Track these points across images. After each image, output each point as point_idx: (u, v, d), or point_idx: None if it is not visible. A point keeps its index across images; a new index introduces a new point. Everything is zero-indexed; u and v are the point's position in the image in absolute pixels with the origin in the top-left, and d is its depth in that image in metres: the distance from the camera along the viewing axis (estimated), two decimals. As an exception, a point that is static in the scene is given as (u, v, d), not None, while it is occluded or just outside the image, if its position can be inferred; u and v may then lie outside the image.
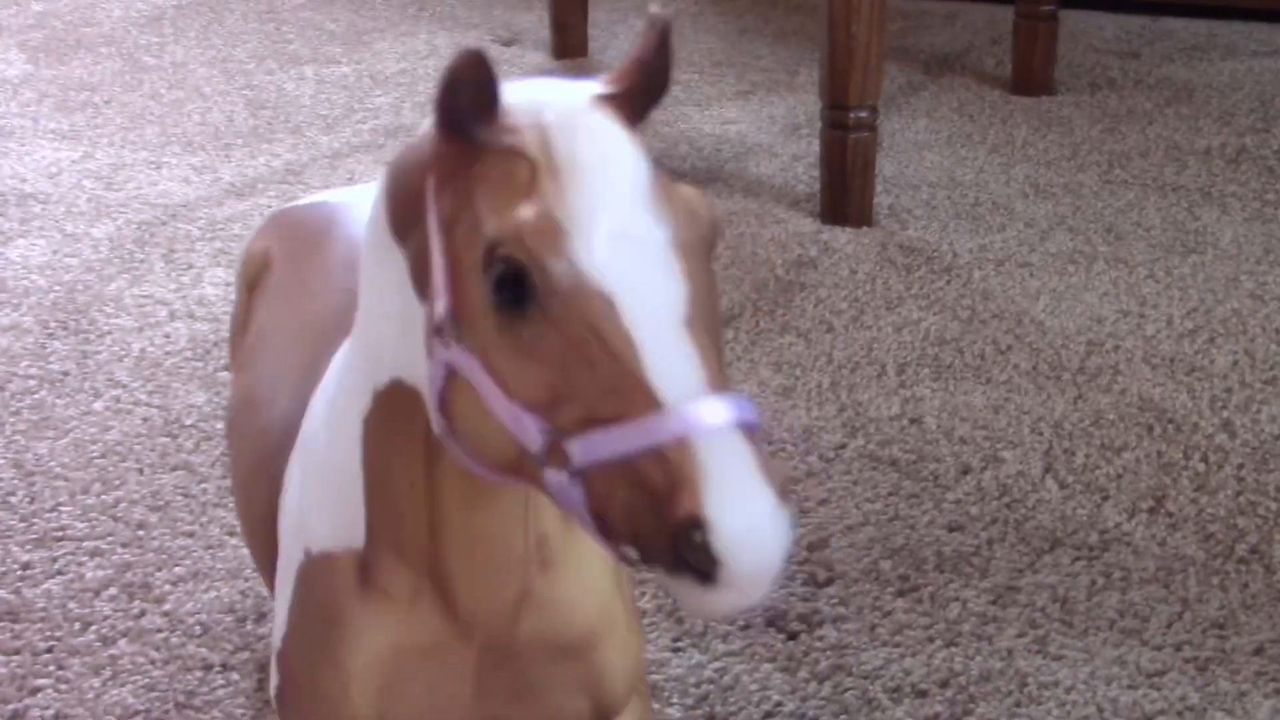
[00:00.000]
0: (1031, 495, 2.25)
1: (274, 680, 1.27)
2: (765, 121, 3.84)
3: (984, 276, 2.96)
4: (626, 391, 0.93)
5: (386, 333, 1.08)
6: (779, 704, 1.84)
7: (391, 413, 1.10)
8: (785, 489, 0.93)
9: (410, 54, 4.49)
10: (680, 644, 1.93)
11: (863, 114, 3.14)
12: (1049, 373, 2.59)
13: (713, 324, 0.97)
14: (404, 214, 1.05)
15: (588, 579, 1.21)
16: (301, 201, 1.69)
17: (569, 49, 4.33)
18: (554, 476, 0.95)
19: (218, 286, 2.94)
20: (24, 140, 3.77)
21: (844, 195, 3.19)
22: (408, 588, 1.16)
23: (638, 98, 1.04)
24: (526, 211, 0.96)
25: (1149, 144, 3.64)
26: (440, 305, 1.00)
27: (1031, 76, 3.99)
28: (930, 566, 2.09)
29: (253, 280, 1.60)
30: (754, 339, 2.72)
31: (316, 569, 1.20)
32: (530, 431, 0.96)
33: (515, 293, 0.95)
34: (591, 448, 0.93)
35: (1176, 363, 2.62)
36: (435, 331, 1.00)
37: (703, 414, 0.92)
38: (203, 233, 3.20)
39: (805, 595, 2.02)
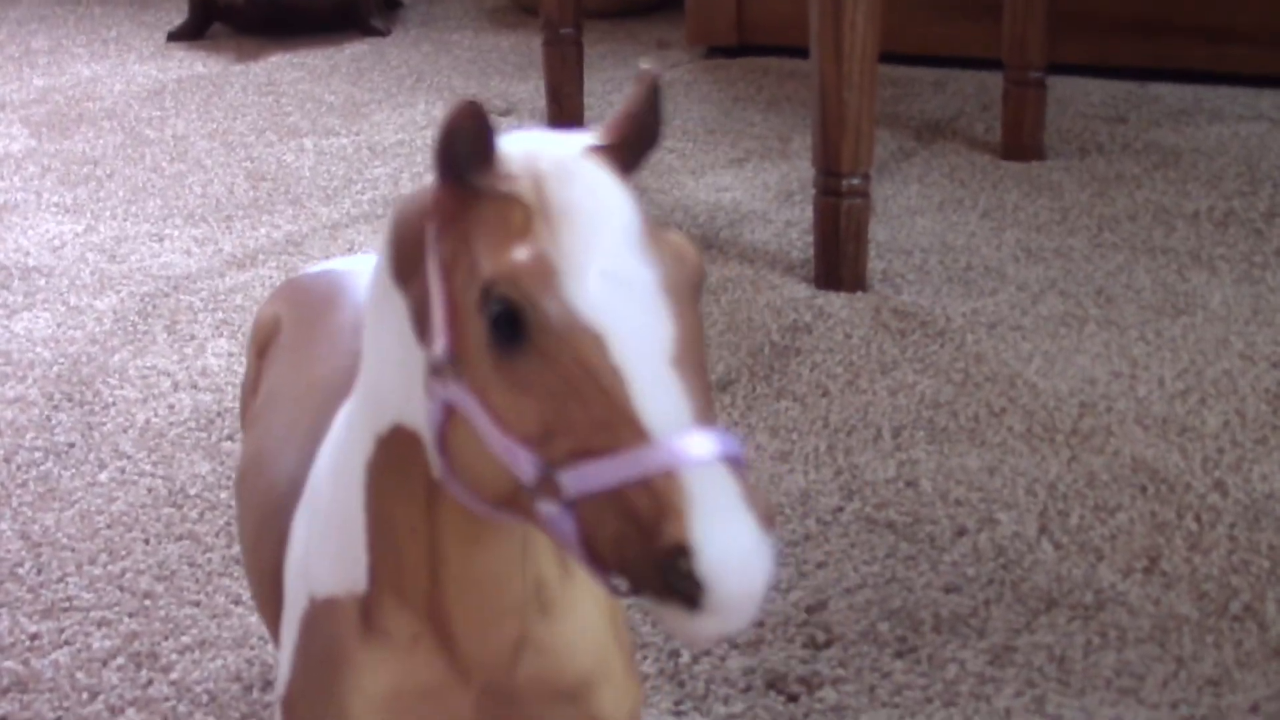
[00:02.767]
0: (1027, 556, 2.27)
1: None
2: (759, 188, 3.89)
3: (977, 340, 3.00)
4: (616, 424, 0.97)
5: (388, 378, 1.13)
6: (780, 766, 1.86)
7: (393, 457, 1.14)
8: (769, 518, 0.97)
9: (408, 125, 4.55)
10: (682, 707, 1.95)
11: (855, 180, 3.18)
12: (1042, 434, 2.62)
13: (699, 362, 1.01)
14: (405, 260, 1.10)
15: (585, 623, 1.24)
16: (310, 270, 1.74)
17: (565, 118, 4.38)
18: (547, 508, 0.99)
19: (220, 357, 2.98)
20: (27, 214, 3.82)
21: (838, 261, 3.23)
22: (408, 631, 1.19)
23: (628, 149, 1.09)
24: (521, 253, 1.00)
25: (1138, 208, 3.69)
26: (439, 345, 1.04)
27: (1021, 142, 4.04)
28: (928, 627, 2.11)
29: (263, 345, 1.64)
30: (750, 404, 2.75)
31: (319, 614, 1.23)
32: (524, 464, 1.00)
33: (510, 330, 1.00)
34: (582, 479, 0.97)
35: (1168, 423, 2.65)
36: (434, 371, 1.05)
37: (689, 446, 0.96)
38: (205, 304, 3.24)
39: (805, 657, 2.05)
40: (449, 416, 1.04)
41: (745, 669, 2.02)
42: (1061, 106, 4.37)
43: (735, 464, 0.98)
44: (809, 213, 3.36)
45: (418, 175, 4.07)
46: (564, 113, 4.39)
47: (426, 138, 4.41)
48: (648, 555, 0.95)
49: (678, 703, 1.96)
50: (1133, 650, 2.06)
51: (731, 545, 0.94)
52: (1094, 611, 2.14)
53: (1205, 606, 2.15)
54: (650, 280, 1.01)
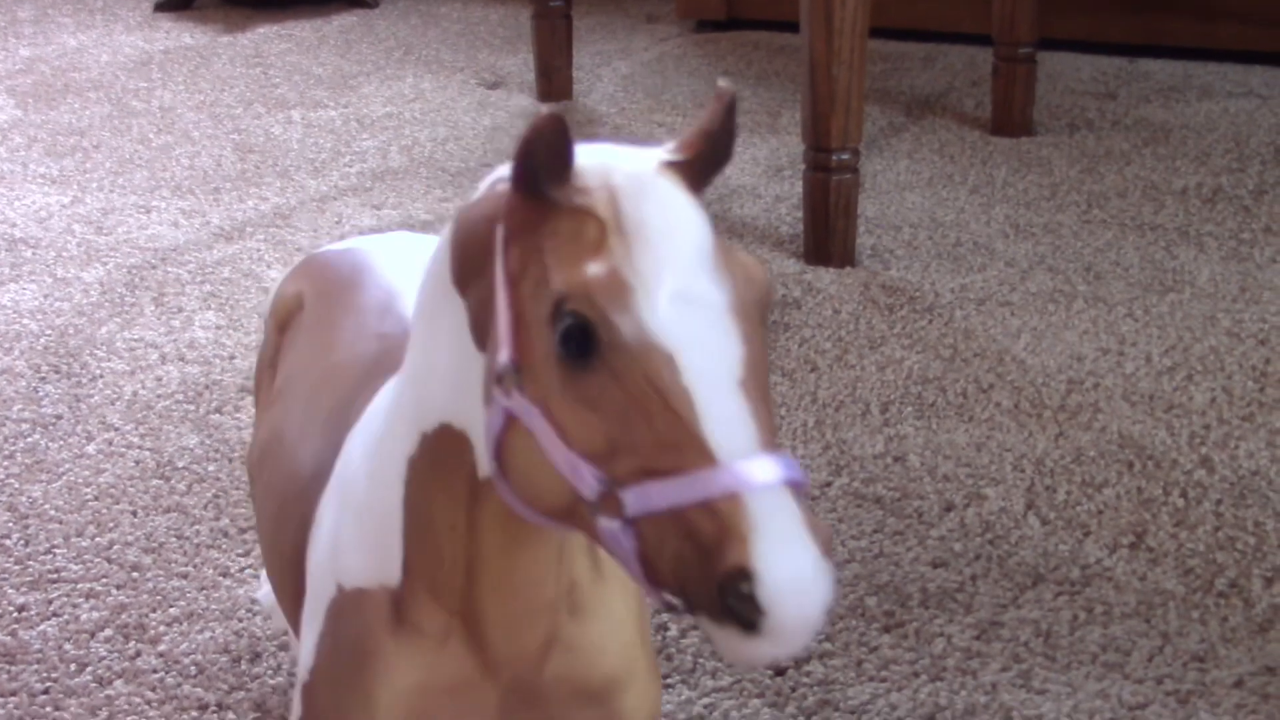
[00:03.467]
0: (1014, 532, 2.28)
1: (296, 713, 1.30)
2: (748, 163, 3.89)
3: (965, 316, 3.00)
4: (682, 446, 0.97)
5: (439, 378, 1.12)
6: (767, 739, 1.87)
7: (437, 456, 1.14)
8: (829, 545, 0.97)
9: (396, 98, 4.53)
10: (670, 680, 1.96)
11: (845, 156, 3.18)
12: (1030, 410, 2.63)
13: (764, 385, 1.02)
14: (468, 265, 1.09)
15: (614, 626, 1.25)
16: (333, 247, 1.73)
17: (553, 92, 4.38)
18: (607, 524, 0.99)
19: (208, 330, 2.97)
20: (13, 185, 3.80)
21: (827, 236, 3.23)
22: (440, 627, 1.19)
23: (701, 165, 1.08)
24: (595, 269, 1.00)
25: (1127, 184, 3.69)
26: (503, 354, 1.04)
27: (1011, 118, 4.04)
28: (915, 602, 2.12)
29: (284, 321, 1.64)
30: (739, 379, 2.75)
31: (349, 604, 1.23)
32: (587, 480, 1.00)
33: (580, 346, 0.99)
34: (646, 498, 0.97)
35: (1155, 400, 2.66)
36: (496, 380, 1.04)
37: (754, 471, 0.96)
38: (192, 276, 3.23)
39: (792, 632, 2.05)
40: (509, 425, 1.04)
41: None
42: (1051, 82, 4.37)
43: (798, 489, 0.98)
44: (798, 188, 3.36)
45: (405, 148, 4.06)
46: (553, 86, 4.38)
47: (415, 111, 4.40)
48: (708, 577, 0.95)
49: (666, 675, 1.96)
50: (1118, 625, 2.07)
51: (792, 571, 0.94)
52: (1080, 587, 2.15)
53: (1191, 582, 2.16)
54: (721, 301, 1.01)
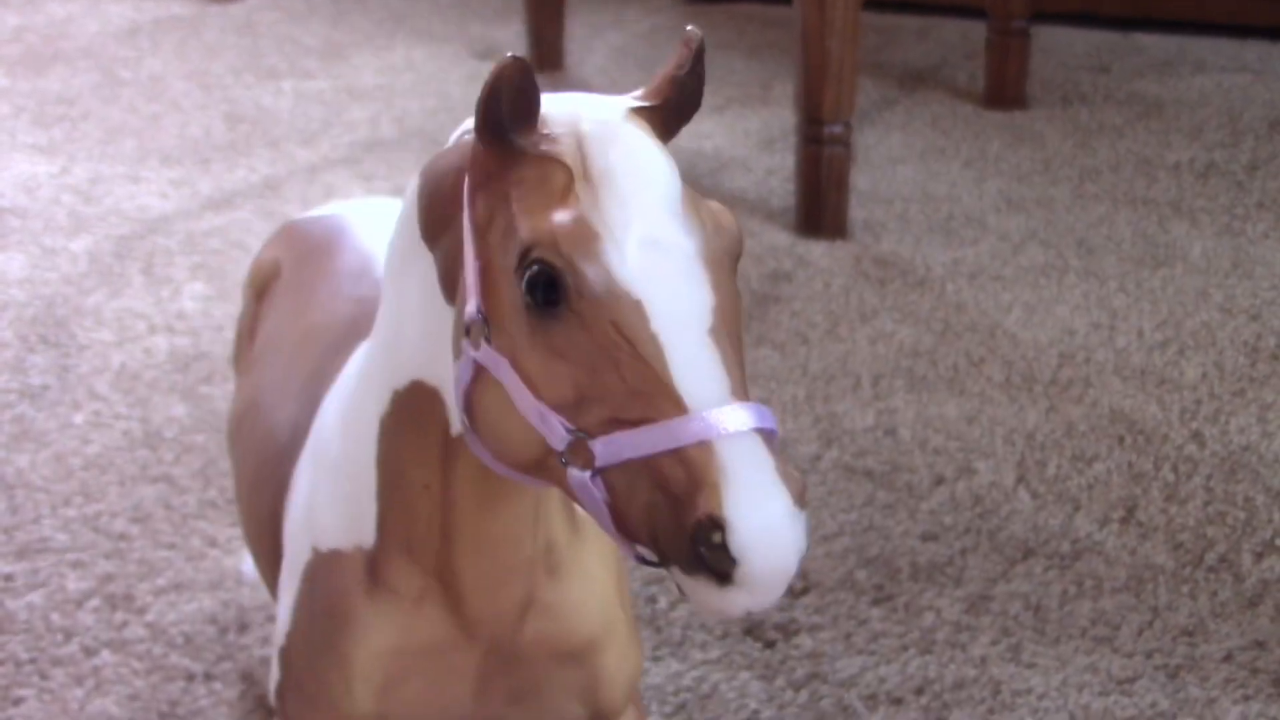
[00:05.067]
0: (1004, 505, 2.27)
1: (274, 677, 1.29)
2: (740, 135, 3.87)
3: (957, 289, 2.99)
4: (652, 394, 0.96)
5: (409, 334, 1.11)
6: (756, 711, 1.86)
7: (409, 414, 1.13)
8: (802, 494, 0.96)
9: (387, 68, 4.51)
10: (659, 653, 1.95)
11: (837, 129, 3.17)
12: (1021, 384, 2.62)
13: (736, 333, 1.01)
14: (436, 217, 1.08)
15: (592, 587, 1.24)
16: (311, 213, 1.72)
17: (546, 62, 4.35)
18: (577, 475, 0.98)
19: (197, 300, 2.96)
20: (1, 154, 3.78)
21: (819, 209, 3.22)
22: (415, 587, 1.18)
23: (670, 112, 1.08)
24: (562, 216, 0.99)
25: (1120, 158, 3.68)
26: (471, 306, 1.03)
27: (1004, 91, 4.03)
28: (905, 576, 2.11)
29: (261, 288, 1.63)
30: (730, 351, 2.74)
31: (324, 566, 1.22)
32: (556, 430, 0.99)
33: (547, 295, 0.99)
34: (615, 447, 0.96)
35: (1147, 374, 2.65)
36: (465, 331, 1.03)
37: (725, 419, 0.95)
38: (181, 246, 3.21)
39: (782, 604, 2.04)
40: (478, 377, 1.03)
41: (724, 620, 2.01)
42: (1044, 56, 4.35)
43: (770, 438, 0.97)
44: (790, 160, 3.35)
45: (397, 119, 4.04)
46: (545, 57, 4.36)
47: (406, 81, 4.37)
48: (679, 527, 0.94)
49: (655, 649, 1.96)
50: (1108, 599, 2.07)
51: (765, 520, 0.93)
52: (1070, 561, 2.14)
53: (1181, 557, 2.15)
54: (690, 249, 1.00)
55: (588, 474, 0.97)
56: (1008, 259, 3.13)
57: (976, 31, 4.25)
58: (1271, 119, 3.92)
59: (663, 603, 2.04)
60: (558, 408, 0.99)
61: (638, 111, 1.06)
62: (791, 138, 3.29)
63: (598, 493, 0.98)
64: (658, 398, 0.96)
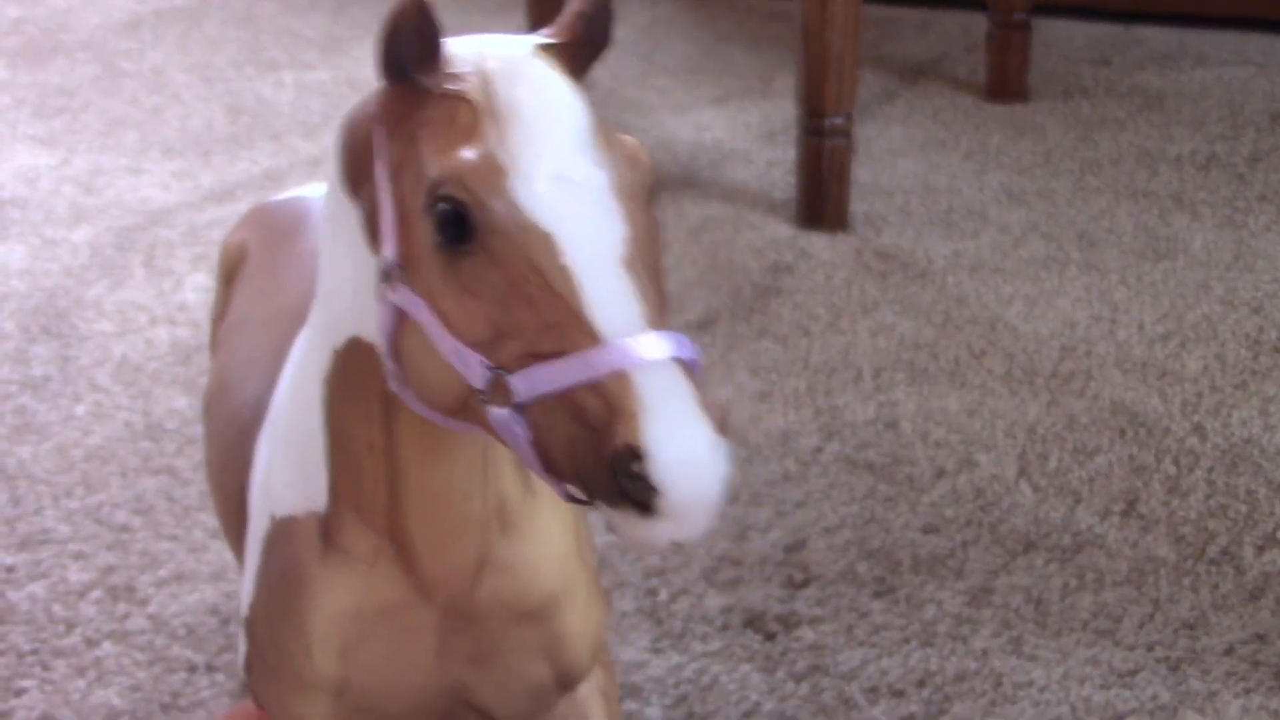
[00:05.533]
0: (1006, 498, 2.28)
1: (242, 649, 1.29)
2: (741, 128, 3.87)
3: (958, 282, 2.99)
4: (566, 327, 0.96)
5: (343, 291, 1.11)
6: (757, 704, 1.86)
7: (350, 371, 1.13)
8: (724, 423, 0.96)
9: (388, 60, 4.50)
10: (660, 645, 1.96)
11: (838, 121, 3.16)
12: (1022, 377, 2.62)
13: (653, 265, 1.01)
14: (355, 167, 1.09)
15: (548, 544, 1.24)
16: (278, 197, 1.73)
17: (546, 56, 4.34)
18: (498, 413, 0.98)
19: (198, 292, 2.96)
20: (1, 146, 3.78)
21: (820, 201, 3.22)
22: (369, 549, 1.18)
23: (579, 50, 1.08)
24: (468, 153, 0.99)
25: (1121, 151, 3.68)
26: (388, 250, 1.03)
27: (1005, 84, 4.03)
28: (906, 568, 2.11)
29: (230, 271, 1.64)
30: (731, 344, 2.74)
31: (280, 533, 1.22)
32: (474, 368, 0.99)
33: (457, 232, 0.99)
34: (532, 382, 0.96)
35: (1148, 367, 2.65)
36: (384, 277, 1.04)
37: (641, 348, 0.95)
38: (182, 238, 3.21)
39: (783, 597, 2.05)
40: (400, 322, 1.03)
41: (723, 608, 2.02)
42: (1046, 49, 4.35)
43: (689, 367, 0.96)
44: (791, 153, 3.34)
45: (398, 111, 4.03)
46: (545, 49, 4.34)
47: (407, 73, 4.36)
48: (599, 458, 0.94)
49: (655, 640, 1.96)
50: (1110, 592, 2.07)
51: (684, 448, 0.93)
52: (1072, 554, 2.15)
53: (1182, 550, 2.16)
54: (601, 182, 1.00)
55: (508, 411, 0.97)
56: (1009, 252, 3.13)
57: (978, 24, 4.24)
58: (1273, 111, 3.91)
59: (663, 595, 2.04)
60: (475, 345, 0.99)
61: (546, 49, 1.06)
62: (792, 130, 3.29)
63: (520, 430, 0.97)
64: (571, 330, 0.96)
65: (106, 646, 1.95)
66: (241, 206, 3.37)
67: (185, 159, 3.69)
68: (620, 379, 0.94)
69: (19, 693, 1.88)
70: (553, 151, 0.99)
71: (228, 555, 2.12)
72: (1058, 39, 4.51)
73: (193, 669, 1.91)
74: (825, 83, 3.13)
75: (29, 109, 4.06)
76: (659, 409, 0.93)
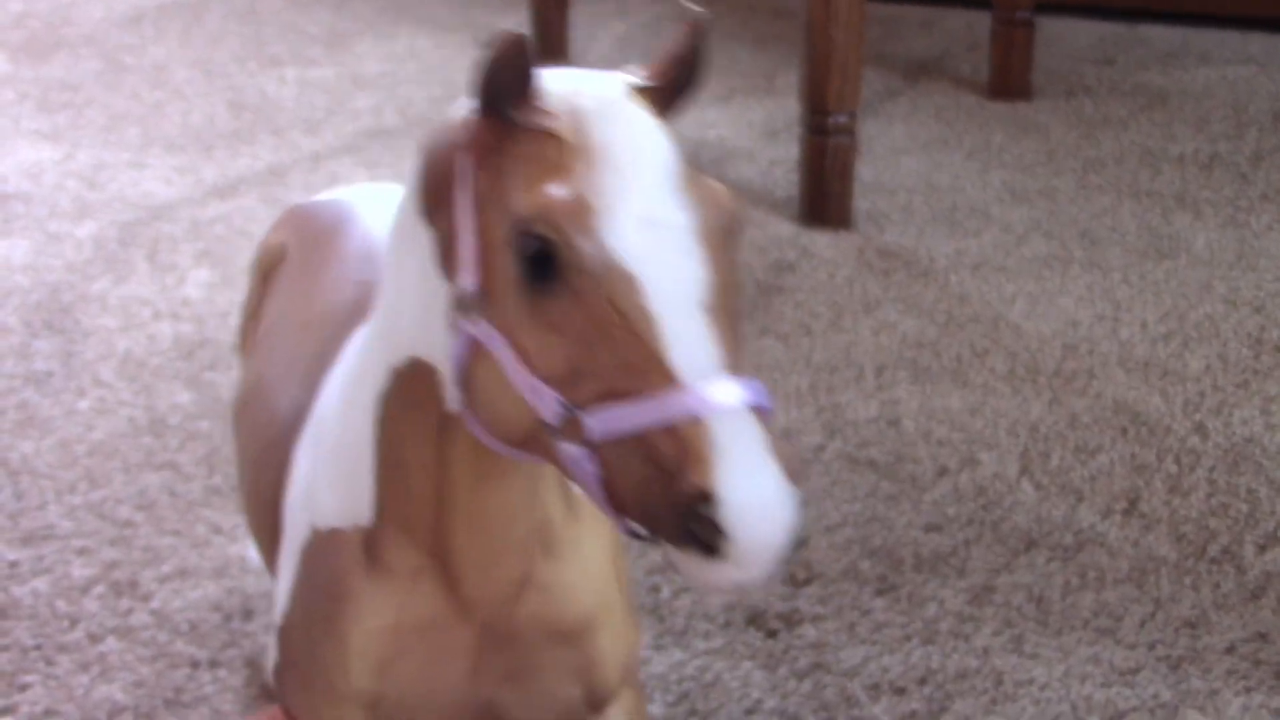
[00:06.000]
0: (1008, 496, 2.28)
1: (272, 657, 1.29)
2: (744, 126, 3.87)
3: (961, 280, 3.00)
4: (644, 368, 0.97)
5: (408, 312, 1.12)
6: (759, 701, 1.87)
7: (408, 392, 1.13)
8: (795, 471, 0.96)
9: (391, 56, 4.51)
10: (662, 642, 1.96)
11: (841, 119, 3.17)
12: (1025, 376, 2.63)
13: (731, 310, 1.01)
14: (435, 193, 1.09)
15: (588, 566, 1.24)
16: (317, 198, 1.73)
17: (549, 51, 4.34)
18: (569, 449, 0.99)
19: (201, 287, 2.96)
20: (4, 140, 3.78)
21: (823, 199, 3.22)
22: (412, 565, 1.19)
23: (670, 91, 1.08)
24: (557, 190, 0.99)
25: (1124, 150, 3.68)
26: (467, 280, 1.03)
27: (1008, 82, 4.03)
28: (908, 566, 2.12)
29: (268, 271, 1.63)
30: (734, 341, 2.74)
31: (322, 545, 1.22)
32: (549, 404, 0.99)
33: (542, 269, 0.99)
34: (607, 421, 0.97)
35: (1150, 366, 2.65)
36: (460, 306, 1.04)
37: (717, 394, 0.96)
38: (185, 233, 3.22)
39: (785, 594, 2.05)
40: (473, 352, 1.04)
41: (725, 605, 2.02)
42: (1049, 47, 4.35)
43: (762, 413, 0.97)
44: (794, 150, 3.34)
45: (400, 107, 4.04)
46: (549, 46, 4.35)
47: (410, 70, 4.37)
48: (670, 501, 0.95)
49: (658, 637, 1.96)
50: (1111, 591, 2.07)
51: (755, 495, 0.94)
52: (1073, 552, 2.15)
53: (1184, 548, 2.16)
54: (686, 225, 1.00)
55: (580, 448, 0.98)
56: (1011, 250, 3.13)
57: (981, 22, 4.24)
58: (1276, 111, 3.92)
59: (666, 592, 2.04)
60: (551, 382, 0.99)
61: (639, 90, 1.06)
62: (796, 128, 3.29)
63: (590, 467, 0.98)
64: (650, 372, 0.96)
65: (110, 642, 1.95)
66: (244, 202, 3.38)
67: (188, 154, 3.69)
68: (694, 423, 0.95)
69: (23, 688, 1.88)
70: (641, 193, 1.00)
71: (230, 551, 2.12)
72: (1061, 37, 4.51)
73: (195, 665, 1.91)
74: (828, 81, 3.13)
75: (33, 103, 4.06)
76: (731, 454, 0.94)
